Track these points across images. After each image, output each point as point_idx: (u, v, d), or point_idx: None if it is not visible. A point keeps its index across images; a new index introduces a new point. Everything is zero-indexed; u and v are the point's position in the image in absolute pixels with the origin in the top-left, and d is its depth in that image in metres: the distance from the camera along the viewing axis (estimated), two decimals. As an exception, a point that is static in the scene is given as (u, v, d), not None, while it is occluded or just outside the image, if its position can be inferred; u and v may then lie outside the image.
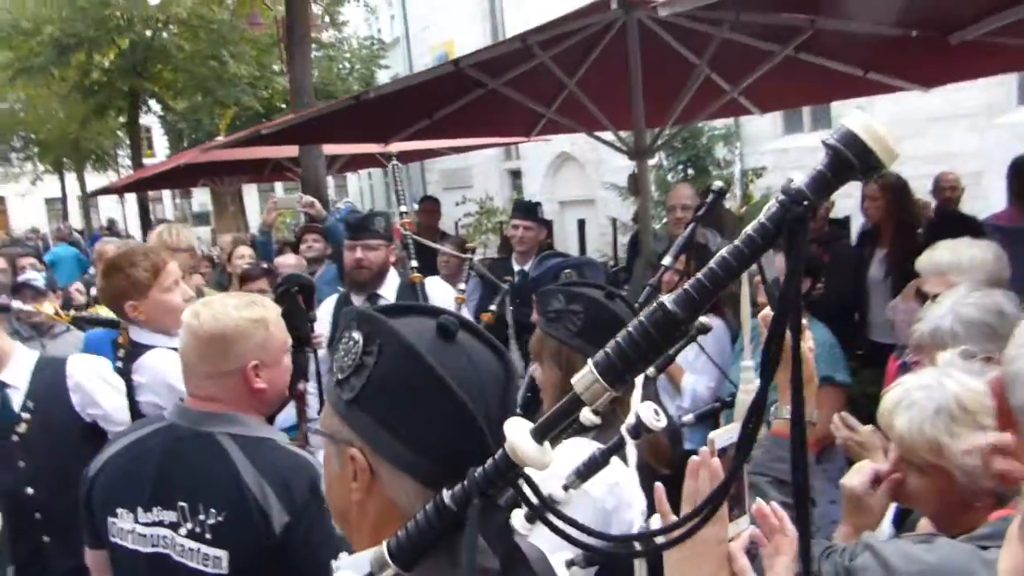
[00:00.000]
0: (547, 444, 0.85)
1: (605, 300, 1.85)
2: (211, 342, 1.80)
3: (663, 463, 2.03)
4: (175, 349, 2.61)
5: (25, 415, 2.68)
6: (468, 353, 0.98)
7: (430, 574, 0.92)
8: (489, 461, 0.87)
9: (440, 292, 3.52)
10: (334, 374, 1.00)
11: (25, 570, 2.65)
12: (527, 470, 0.86)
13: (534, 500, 0.88)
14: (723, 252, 0.78)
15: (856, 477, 1.71)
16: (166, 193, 30.88)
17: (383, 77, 20.88)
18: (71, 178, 29.27)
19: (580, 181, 14.81)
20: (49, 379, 2.75)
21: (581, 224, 7.36)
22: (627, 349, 0.79)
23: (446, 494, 0.89)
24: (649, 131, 5.42)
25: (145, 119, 21.49)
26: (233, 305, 1.84)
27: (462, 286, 3.57)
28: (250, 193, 23.72)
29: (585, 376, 0.81)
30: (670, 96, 5.31)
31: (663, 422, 1.45)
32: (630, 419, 1.48)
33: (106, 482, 1.87)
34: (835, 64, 5.16)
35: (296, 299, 2.28)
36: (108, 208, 31.45)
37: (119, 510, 1.83)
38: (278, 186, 28.69)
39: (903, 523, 1.87)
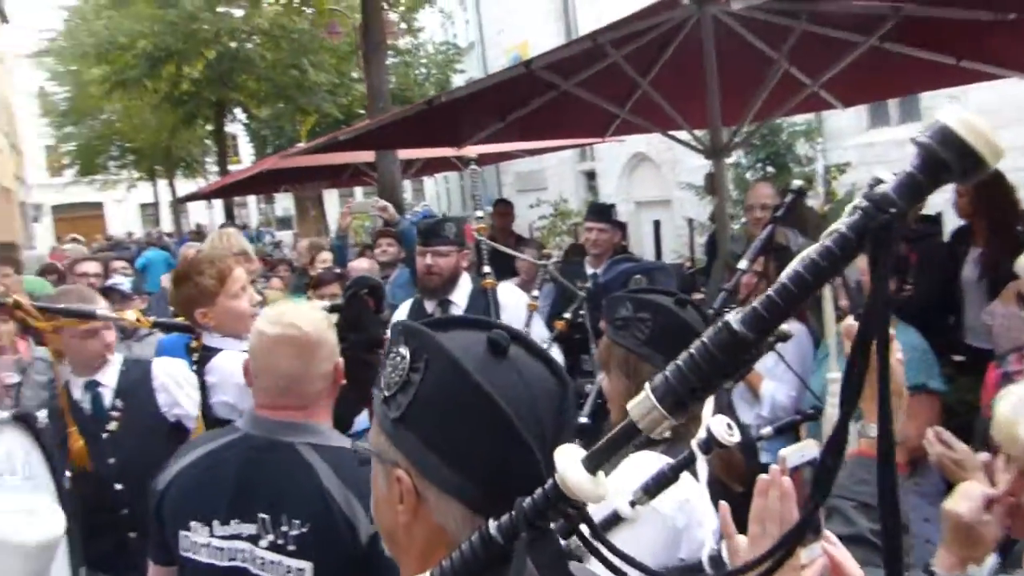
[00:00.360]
0: (601, 474, 0.78)
1: (675, 307, 1.77)
2: (319, 347, 1.80)
3: (737, 479, 1.93)
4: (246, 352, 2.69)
5: (115, 413, 2.81)
6: (519, 369, 0.92)
7: None
8: (539, 491, 0.81)
9: (512, 298, 3.48)
10: (381, 390, 0.95)
11: (108, 565, 2.72)
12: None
13: (588, 536, 0.82)
14: (797, 265, 0.70)
15: (965, 502, 1.53)
16: (251, 198, 31.93)
17: (458, 81, 21.03)
18: (163, 184, 30.62)
19: (656, 181, 14.57)
20: (136, 380, 2.87)
21: (657, 225, 7.21)
22: (688, 373, 0.72)
23: (492, 525, 0.84)
24: (726, 129, 5.28)
25: (231, 127, 22.28)
26: (306, 310, 1.87)
27: (535, 292, 3.53)
28: (331, 197, 24.27)
29: (642, 402, 0.74)
30: (747, 92, 5.15)
31: (736, 437, 1.37)
32: (701, 433, 1.41)
33: (178, 495, 1.83)
34: (924, 53, 4.91)
35: (365, 302, 2.27)
36: (198, 213, 32.73)
37: (192, 523, 1.79)
38: (357, 191, 29.30)
39: (1008, 554, 1.65)
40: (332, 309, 2.20)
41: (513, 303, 3.45)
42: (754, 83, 5.09)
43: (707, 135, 5.24)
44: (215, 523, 1.77)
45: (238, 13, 15.54)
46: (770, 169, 9.02)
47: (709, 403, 1.71)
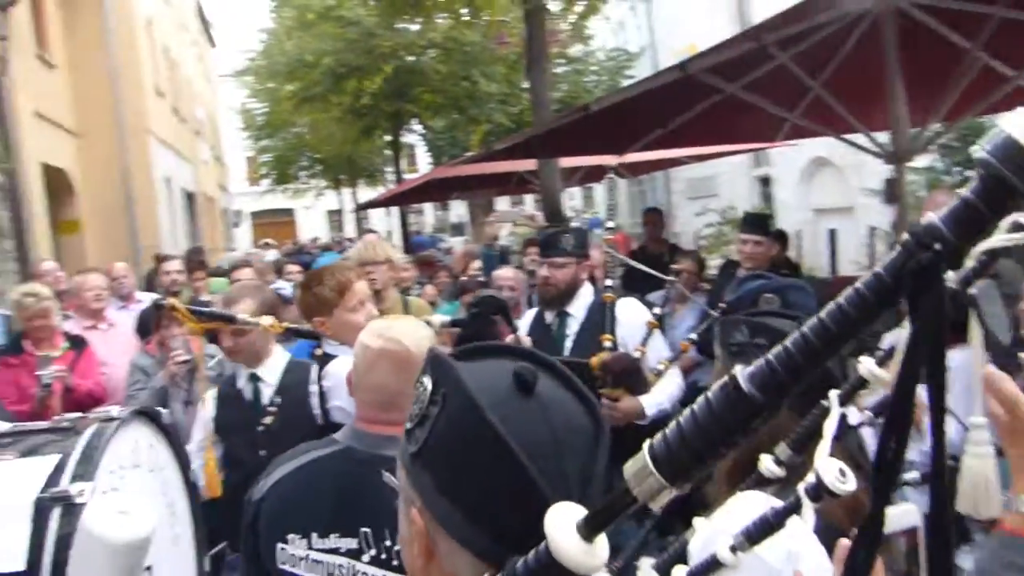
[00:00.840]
0: (598, 542, 0.68)
1: None
2: (415, 364, 1.75)
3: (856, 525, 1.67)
4: None
5: (271, 409, 2.92)
6: (546, 407, 0.83)
7: None
8: (532, 553, 0.71)
9: (631, 315, 3.32)
10: (406, 421, 0.88)
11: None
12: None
13: None
14: (822, 312, 0.57)
15: (998, 388, 1.22)
16: (428, 205, 33.22)
17: (628, 87, 20.86)
18: (347, 192, 32.53)
19: (838, 187, 13.69)
20: (296, 380, 2.96)
21: (832, 234, 6.74)
22: (690, 436, 0.60)
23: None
24: (911, 131, 4.81)
25: (408, 138, 23.27)
26: (415, 327, 1.82)
27: (657, 310, 3.37)
28: (502, 204, 24.81)
29: (638, 464, 0.62)
30: (935, 89, 4.68)
31: (850, 484, 1.17)
32: (810, 477, 1.22)
33: (276, 507, 1.82)
34: None
35: (488, 319, 2.22)
36: (378, 219, 34.52)
37: (291, 535, 1.78)
38: (527, 198, 29.79)
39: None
40: (453, 324, 2.16)
41: (631, 320, 3.30)
42: (943, 79, 4.61)
43: (889, 138, 4.81)
44: (314, 536, 1.75)
45: (413, 28, 16.21)
46: (968, 173, 8.19)
47: (826, 442, 1.48)
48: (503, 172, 10.75)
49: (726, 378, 0.59)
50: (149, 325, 5.20)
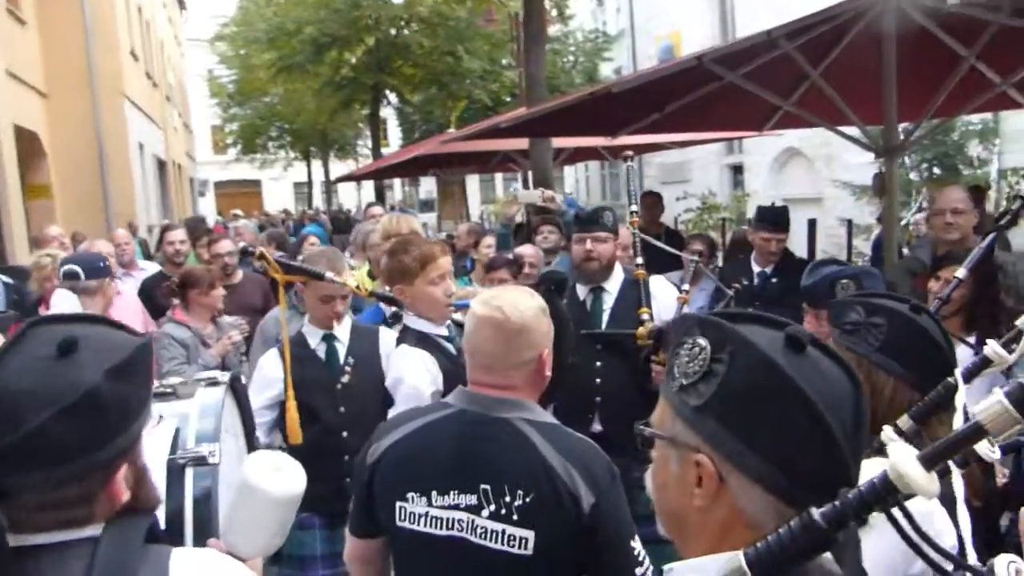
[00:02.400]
0: (933, 473, 0.84)
1: (911, 314, 1.72)
2: (520, 333, 1.85)
3: (975, 494, 1.86)
4: (445, 337, 2.85)
5: (347, 368, 3.08)
6: (816, 364, 0.96)
7: None
8: (866, 484, 0.86)
9: (664, 291, 3.47)
10: (675, 378, 1.01)
11: (325, 506, 2.87)
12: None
13: (910, 531, 0.88)
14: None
15: None
16: (397, 181, 33.05)
17: (606, 70, 20.97)
18: (316, 165, 32.23)
19: (808, 178, 14.06)
20: (365, 342, 3.14)
21: (812, 224, 6.98)
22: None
23: (816, 512, 0.88)
24: (900, 126, 5.05)
25: (383, 111, 23.14)
26: (526, 297, 1.92)
27: (685, 286, 3.51)
28: (472, 183, 24.81)
29: (993, 406, 0.80)
30: (925, 88, 4.91)
31: (998, 454, 1.35)
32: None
33: (394, 466, 1.89)
34: None
35: (554, 295, 2.37)
36: (346, 193, 34.25)
37: (410, 494, 1.85)
38: (498, 177, 29.77)
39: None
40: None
41: (664, 296, 3.44)
42: (935, 79, 4.84)
43: (879, 132, 5.04)
44: (433, 494, 1.83)
45: (399, 1, 16.12)
46: (936, 170, 8.53)
47: (959, 415, 1.65)
48: (485, 151, 10.84)
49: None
50: (152, 292, 5.26)
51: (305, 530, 2.99)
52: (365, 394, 2.99)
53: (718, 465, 0.95)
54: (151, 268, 6.23)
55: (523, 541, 1.75)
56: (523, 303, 1.89)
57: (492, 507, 1.78)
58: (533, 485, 1.76)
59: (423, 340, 2.80)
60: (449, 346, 2.83)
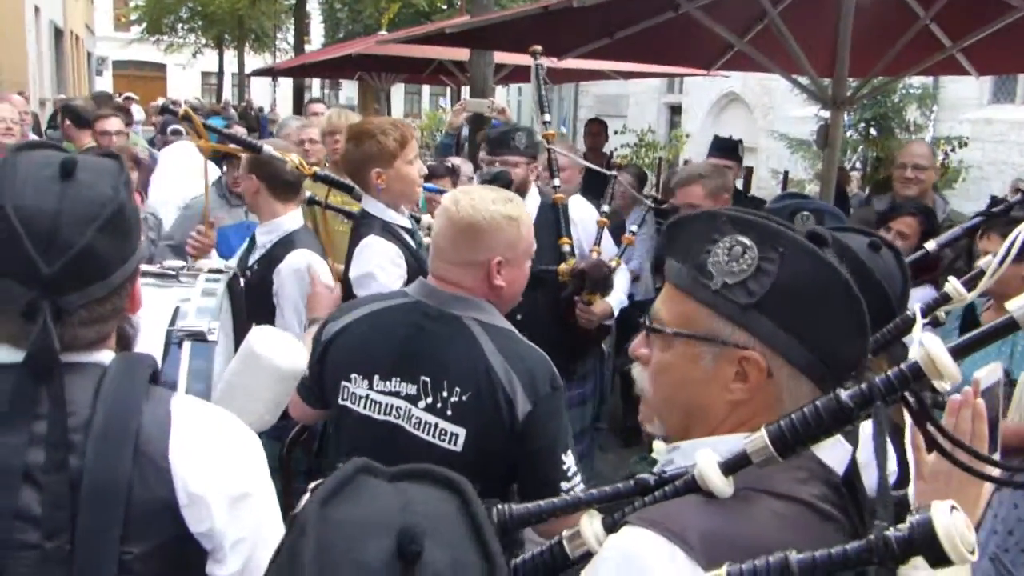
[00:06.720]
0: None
1: (869, 250, 1.69)
2: (465, 230, 1.82)
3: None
4: (403, 227, 2.70)
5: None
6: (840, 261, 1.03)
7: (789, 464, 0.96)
8: (895, 369, 0.91)
9: (583, 213, 3.37)
10: (713, 278, 1.01)
11: None
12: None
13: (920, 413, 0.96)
14: None
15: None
16: (315, 81, 31.67)
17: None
18: (229, 56, 30.36)
19: (746, 126, 14.17)
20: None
21: (749, 172, 7.04)
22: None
23: (843, 393, 0.92)
24: (851, 81, 5.08)
25: (309, 4, 21.94)
26: (491, 199, 1.85)
27: (605, 207, 3.41)
28: (397, 91, 24.02)
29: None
30: (878, 44, 4.93)
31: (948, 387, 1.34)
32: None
33: (345, 346, 1.91)
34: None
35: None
36: (259, 90, 32.57)
37: (354, 375, 1.87)
38: (425, 90, 28.87)
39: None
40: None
41: (584, 218, 3.36)
42: (888, 35, 4.87)
43: (829, 84, 5.06)
44: (375, 378, 1.85)
45: None
46: (872, 131, 8.70)
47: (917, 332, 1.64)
48: (419, 59, 10.41)
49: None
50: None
51: None
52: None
53: (769, 360, 0.99)
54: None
55: (454, 437, 1.77)
56: (485, 203, 1.83)
57: (429, 399, 1.80)
58: (471, 384, 1.77)
59: (387, 230, 2.66)
60: (410, 239, 2.71)
